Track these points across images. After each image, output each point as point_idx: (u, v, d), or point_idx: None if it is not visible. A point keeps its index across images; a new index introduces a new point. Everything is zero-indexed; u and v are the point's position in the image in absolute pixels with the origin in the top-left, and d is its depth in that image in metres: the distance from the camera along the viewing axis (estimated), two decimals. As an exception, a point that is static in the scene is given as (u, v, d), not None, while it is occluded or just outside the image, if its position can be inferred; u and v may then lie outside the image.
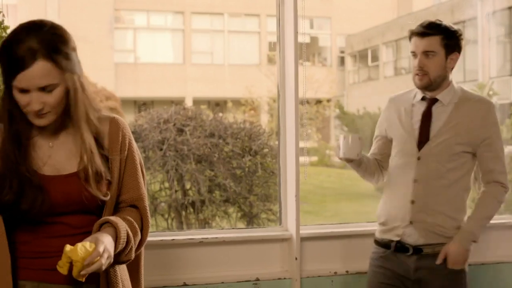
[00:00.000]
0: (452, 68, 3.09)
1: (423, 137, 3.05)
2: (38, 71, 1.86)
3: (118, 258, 2.01)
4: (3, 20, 2.58)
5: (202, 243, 3.45)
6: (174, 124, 6.45)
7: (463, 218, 3.03)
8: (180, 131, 6.47)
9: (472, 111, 3.03)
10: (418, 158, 3.02)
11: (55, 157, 2.00)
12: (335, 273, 3.56)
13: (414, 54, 3.06)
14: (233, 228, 5.45)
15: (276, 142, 6.64)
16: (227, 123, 6.75)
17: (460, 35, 3.07)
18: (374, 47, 20.36)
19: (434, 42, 3.01)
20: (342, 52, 21.23)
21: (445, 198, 2.99)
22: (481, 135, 3.00)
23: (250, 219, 6.68)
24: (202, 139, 6.47)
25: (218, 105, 15.98)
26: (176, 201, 6.47)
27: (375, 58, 20.62)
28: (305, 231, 3.60)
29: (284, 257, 3.55)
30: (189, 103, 14.76)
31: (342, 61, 21.21)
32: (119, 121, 2.12)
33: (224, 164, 6.49)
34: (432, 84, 3.03)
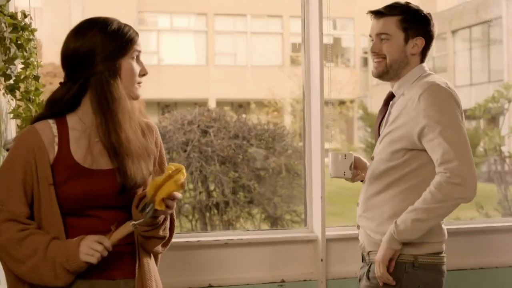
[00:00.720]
0: (422, 56, 2.69)
1: (377, 135, 2.75)
2: None
3: (157, 232, 2.11)
4: (31, 23, 2.60)
5: (227, 244, 3.45)
6: (198, 126, 6.47)
7: None
8: (204, 132, 6.49)
9: (409, 101, 2.57)
10: (372, 158, 2.72)
11: (96, 152, 2.05)
12: (361, 275, 3.55)
13: (371, 38, 2.73)
14: (258, 230, 5.45)
15: (300, 143, 6.66)
16: (251, 125, 6.77)
17: (428, 20, 2.68)
18: (397, 47, 20.25)
19: (390, 24, 2.64)
20: (365, 52, 21.13)
21: (383, 199, 2.60)
22: (415, 127, 2.51)
23: (274, 220, 6.68)
24: (226, 140, 6.48)
25: (241, 106, 16.00)
26: (200, 203, 6.49)
27: (398, 58, 20.48)
28: (331, 232, 3.59)
29: (310, 259, 3.54)
30: (212, 104, 14.79)
31: (365, 62, 21.11)
32: (151, 126, 2.22)
33: (248, 165, 6.50)
34: (388, 70, 2.65)
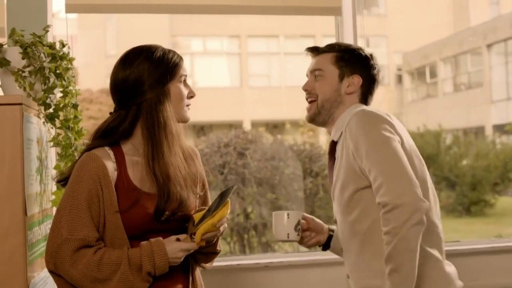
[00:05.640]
0: (363, 98, 2.43)
1: (332, 194, 2.44)
2: None
3: (214, 247, 2.25)
4: (69, 52, 2.63)
5: (267, 267, 3.43)
6: (235, 148, 6.49)
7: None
8: (241, 154, 6.50)
9: (345, 136, 2.29)
10: (335, 221, 2.46)
11: (149, 177, 2.09)
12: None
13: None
14: (298, 252, 5.42)
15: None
16: (287, 146, 6.76)
17: (368, 60, 2.45)
18: (431, 63, 20.13)
19: (325, 60, 2.44)
20: (399, 70, 21.02)
21: (364, 260, 2.29)
22: (354, 162, 2.24)
23: (313, 241, 6.64)
24: (263, 162, 6.48)
25: (276, 127, 16.03)
26: (238, 225, 6.48)
27: (433, 74, 20.36)
28: (371, 253, 3.55)
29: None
30: (247, 126, 14.84)
31: (399, 79, 20.99)
32: (195, 151, 2.29)
33: (285, 186, 6.48)
34: (320, 111, 2.41)
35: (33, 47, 2.46)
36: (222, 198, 2.07)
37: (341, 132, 2.36)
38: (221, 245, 2.33)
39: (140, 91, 2.08)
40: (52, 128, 2.60)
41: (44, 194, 2.56)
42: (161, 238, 2.05)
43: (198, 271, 2.28)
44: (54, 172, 2.62)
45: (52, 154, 2.80)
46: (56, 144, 2.62)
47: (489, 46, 15.50)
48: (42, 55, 2.46)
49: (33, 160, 2.39)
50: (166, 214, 2.07)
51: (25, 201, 2.23)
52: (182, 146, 2.18)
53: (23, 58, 2.42)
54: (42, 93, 2.48)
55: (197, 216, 2.12)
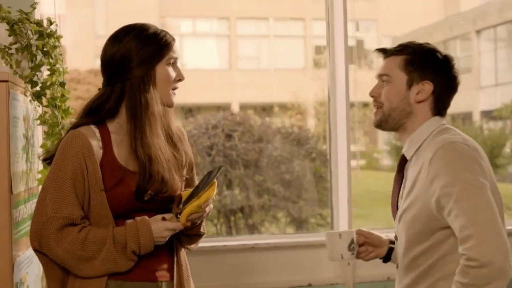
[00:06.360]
0: (437, 107, 2.23)
1: (394, 209, 2.31)
2: None
3: (198, 229, 2.25)
4: (56, 30, 2.61)
5: (253, 248, 3.45)
6: (223, 130, 6.48)
7: None
8: (229, 136, 6.49)
9: (422, 166, 2.13)
10: (396, 238, 2.32)
11: (134, 156, 2.08)
12: (388, 278, 3.53)
13: None
14: (284, 234, 5.44)
15: (324, 146, 6.63)
16: (275, 128, 6.76)
17: (443, 63, 2.22)
18: (421, 48, 20.09)
19: (393, 64, 2.23)
20: (388, 54, 20.97)
21: None
22: (431, 199, 2.07)
23: (299, 224, 6.66)
24: (251, 144, 6.48)
25: (264, 109, 16.03)
26: (225, 207, 6.48)
27: (422, 59, 20.32)
28: (358, 235, 3.57)
29: (337, 262, 3.52)
30: (235, 108, 14.82)
31: (388, 63, 20.96)
32: (182, 130, 2.27)
33: (273, 169, 6.48)
34: (387, 119, 2.24)
35: (20, 24, 2.43)
36: (209, 178, 2.07)
37: (415, 150, 2.23)
38: (206, 227, 2.33)
39: (127, 69, 2.06)
40: (38, 106, 2.58)
41: (30, 173, 2.55)
42: (146, 217, 2.04)
43: (183, 252, 2.28)
44: (40, 151, 2.61)
45: (38, 133, 2.78)
46: (43, 123, 2.61)
47: (478, 32, 15.49)
48: (29, 32, 2.44)
49: (19, 138, 2.37)
50: (149, 194, 2.06)
51: (10, 179, 2.22)
52: (170, 128, 2.17)
53: (9, 35, 2.40)
54: (29, 70, 2.46)
55: (185, 194, 2.12)
